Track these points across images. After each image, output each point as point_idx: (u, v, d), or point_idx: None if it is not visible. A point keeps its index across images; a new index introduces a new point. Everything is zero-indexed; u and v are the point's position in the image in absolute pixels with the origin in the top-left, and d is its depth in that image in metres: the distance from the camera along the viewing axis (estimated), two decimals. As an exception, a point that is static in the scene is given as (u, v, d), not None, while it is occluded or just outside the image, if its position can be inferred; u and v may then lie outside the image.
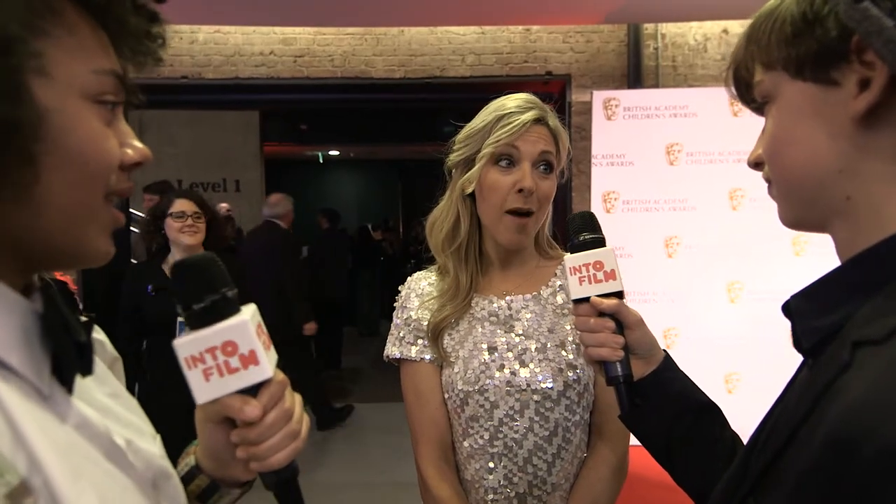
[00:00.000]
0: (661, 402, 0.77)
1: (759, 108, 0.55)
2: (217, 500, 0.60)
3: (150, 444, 0.52)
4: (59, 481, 0.38)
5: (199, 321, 0.50)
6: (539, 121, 0.99)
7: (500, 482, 0.98)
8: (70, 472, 0.39)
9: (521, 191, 0.96)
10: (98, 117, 0.43)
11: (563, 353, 0.99)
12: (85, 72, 0.42)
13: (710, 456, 0.72)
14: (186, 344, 0.50)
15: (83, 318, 0.46)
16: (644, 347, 0.79)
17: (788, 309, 0.51)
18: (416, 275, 1.11)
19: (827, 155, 0.47)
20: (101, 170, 0.43)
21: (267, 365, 0.51)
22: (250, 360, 0.50)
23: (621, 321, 0.77)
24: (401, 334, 1.06)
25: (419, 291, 1.08)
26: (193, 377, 0.50)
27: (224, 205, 5.49)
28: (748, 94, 0.55)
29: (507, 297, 1.04)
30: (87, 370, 0.45)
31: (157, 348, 2.19)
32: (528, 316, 1.03)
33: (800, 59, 0.48)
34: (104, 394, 0.51)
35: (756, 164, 0.56)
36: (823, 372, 0.44)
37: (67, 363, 0.44)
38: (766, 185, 0.55)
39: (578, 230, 0.80)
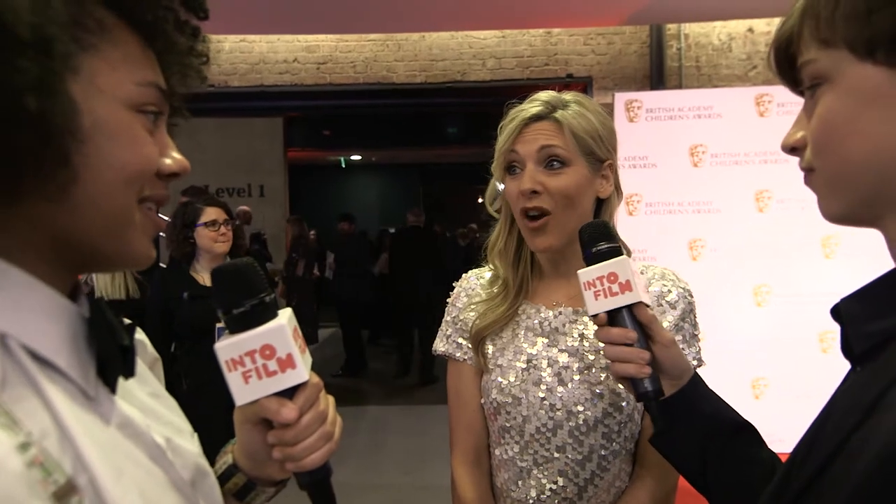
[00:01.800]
0: (692, 421, 0.72)
1: (803, 90, 0.49)
2: (253, 499, 0.62)
3: (189, 443, 0.54)
4: (104, 480, 0.39)
5: (239, 325, 0.52)
6: (539, 117, 0.91)
7: (526, 496, 0.95)
8: (113, 471, 0.40)
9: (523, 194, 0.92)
10: (140, 125, 0.45)
11: (608, 376, 0.92)
12: (129, 83, 0.44)
13: (750, 477, 0.67)
14: (227, 347, 0.52)
15: (126, 322, 0.48)
16: (676, 368, 0.75)
17: (838, 312, 0.47)
18: (470, 272, 1.07)
19: (893, 147, 0.43)
20: (139, 174, 0.45)
21: (303, 368, 0.53)
22: (287, 363, 0.52)
23: (651, 335, 0.73)
24: (448, 332, 1.04)
25: (469, 290, 1.04)
26: (233, 379, 0.52)
27: (244, 207, 5.58)
28: (790, 73, 0.49)
29: (557, 309, 0.97)
30: (129, 373, 0.47)
31: (192, 352, 2.22)
32: (576, 332, 0.96)
33: (873, 38, 0.42)
34: (145, 393, 0.53)
35: (792, 150, 0.50)
36: (875, 380, 0.41)
37: (112, 366, 0.45)
38: (791, 185, 0.52)
39: (592, 241, 0.76)
